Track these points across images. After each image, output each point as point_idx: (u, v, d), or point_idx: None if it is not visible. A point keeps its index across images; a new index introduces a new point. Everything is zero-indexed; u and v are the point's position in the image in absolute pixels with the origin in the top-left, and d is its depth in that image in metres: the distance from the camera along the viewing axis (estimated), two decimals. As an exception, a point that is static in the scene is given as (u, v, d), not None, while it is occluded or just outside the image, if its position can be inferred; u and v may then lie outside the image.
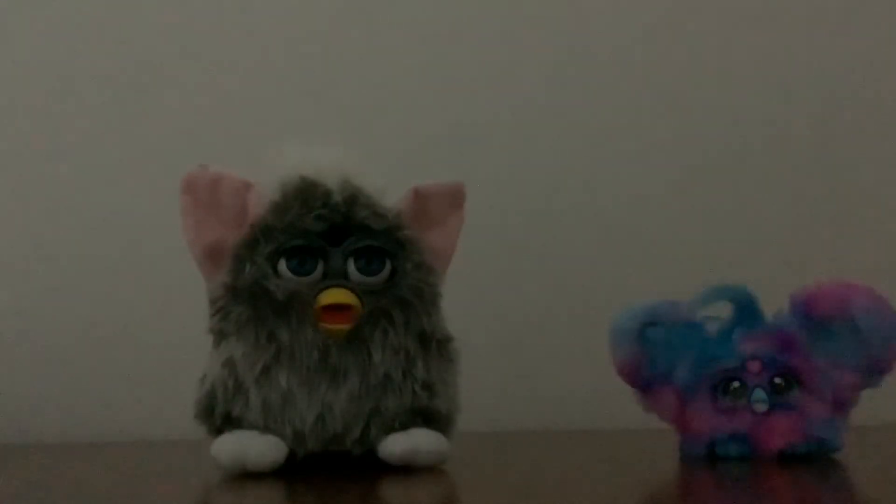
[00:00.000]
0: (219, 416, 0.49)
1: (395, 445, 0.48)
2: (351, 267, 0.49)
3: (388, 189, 0.52)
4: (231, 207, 0.51)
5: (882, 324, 0.51)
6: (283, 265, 0.49)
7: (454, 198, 0.55)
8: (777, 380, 0.52)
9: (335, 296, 0.48)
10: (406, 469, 0.48)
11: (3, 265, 0.72)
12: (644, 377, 0.53)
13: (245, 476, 0.47)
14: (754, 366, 0.52)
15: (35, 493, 0.48)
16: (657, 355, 0.53)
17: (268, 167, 0.51)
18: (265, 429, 0.48)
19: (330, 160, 0.51)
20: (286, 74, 0.74)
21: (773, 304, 0.53)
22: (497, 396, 0.70)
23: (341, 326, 0.48)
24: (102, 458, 0.61)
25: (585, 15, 0.76)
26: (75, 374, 0.71)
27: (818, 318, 0.52)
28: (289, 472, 0.48)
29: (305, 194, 0.50)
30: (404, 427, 0.49)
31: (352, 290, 0.48)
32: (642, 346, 0.53)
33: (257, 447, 0.47)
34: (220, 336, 0.50)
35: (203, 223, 0.51)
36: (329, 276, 0.49)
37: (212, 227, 0.51)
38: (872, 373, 0.52)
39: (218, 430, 0.50)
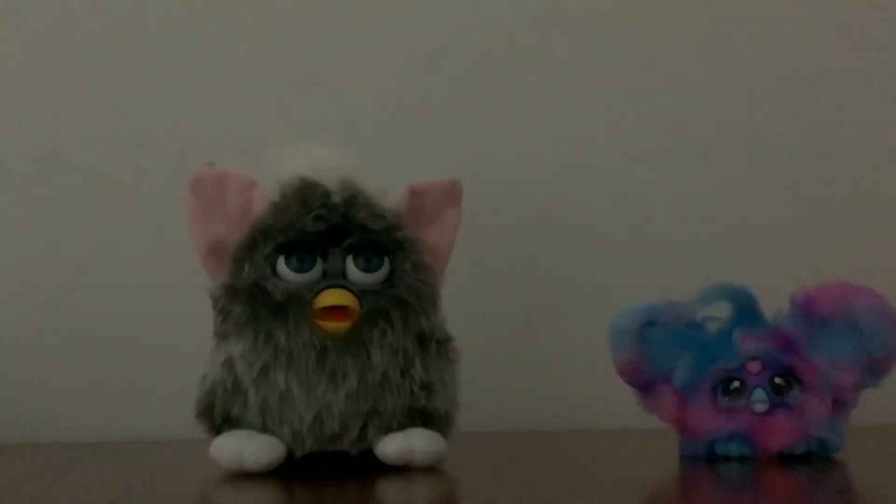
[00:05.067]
0: (218, 415, 0.50)
1: (392, 446, 0.48)
2: (350, 266, 0.49)
3: (389, 190, 0.52)
4: (236, 205, 0.51)
5: (882, 324, 0.51)
6: (281, 265, 0.49)
7: (451, 195, 0.55)
8: (777, 380, 0.52)
9: (333, 298, 0.48)
10: (404, 469, 0.48)
11: (3, 265, 0.72)
12: (644, 377, 0.53)
13: (243, 476, 0.48)
14: (754, 366, 0.52)
15: (35, 493, 0.48)
16: (657, 355, 0.53)
17: (267, 167, 0.51)
18: (263, 429, 0.49)
19: (329, 160, 0.51)
20: (286, 74, 0.74)
21: (773, 304, 0.53)
22: (497, 396, 0.70)
23: (340, 324, 0.48)
24: (103, 458, 0.61)
25: (585, 14, 0.76)
26: (75, 374, 0.71)
27: (818, 318, 0.52)
28: (287, 471, 0.48)
29: (304, 195, 0.50)
30: (402, 427, 0.49)
31: (350, 291, 0.48)
32: (642, 346, 0.53)
33: (255, 447, 0.48)
34: (220, 336, 0.50)
35: (208, 221, 0.51)
36: (328, 276, 0.49)
37: (217, 225, 0.51)
38: (872, 373, 0.52)
39: (217, 430, 0.50)
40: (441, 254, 0.54)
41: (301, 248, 0.49)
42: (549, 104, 0.75)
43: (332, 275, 0.49)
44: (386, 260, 0.50)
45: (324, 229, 0.49)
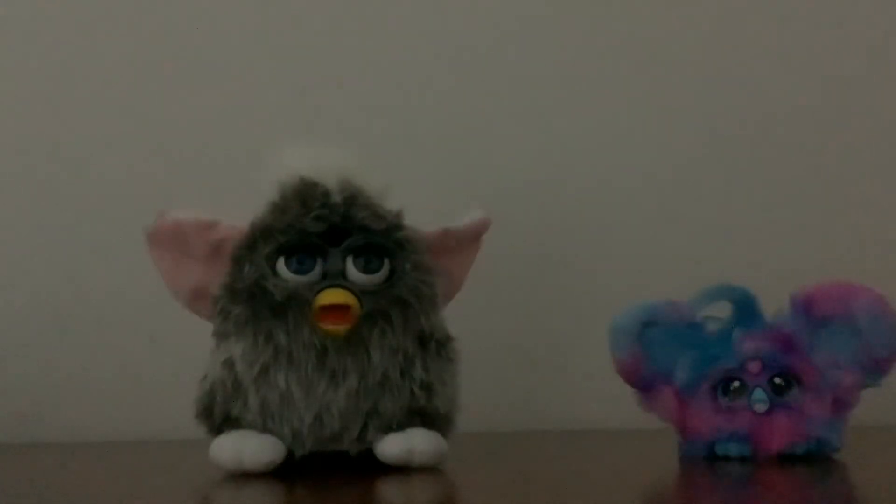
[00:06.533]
0: (218, 415, 0.50)
1: (392, 446, 0.48)
2: (350, 267, 0.49)
3: (389, 190, 0.52)
4: (201, 248, 0.51)
5: (882, 324, 0.51)
6: (281, 265, 0.49)
7: (478, 232, 0.56)
8: (777, 380, 0.52)
9: (333, 296, 0.48)
10: (404, 469, 0.48)
11: (3, 265, 0.72)
12: (644, 377, 0.53)
13: (243, 476, 0.48)
14: (754, 366, 0.52)
15: (35, 493, 0.48)
16: (657, 355, 0.53)
17: (267, 167, 0.51)
18: (263, 429, 0.49)
19: (329, 160, 0.51)
20: (286, 75, 0.74)
21: (773, 304, 0.53)
22: (497, 396, 0.70)
23: (340, 326, 0.48)
24: (102, 458, 0.61)
25: (586, 14, 0.76)
26: (75, 374, 0.71)
27: (818, 318, 0.52)
28: (287, 471, 0.48)
29: (304, 194, 0.49)
30: (402, 427, 0.49)
31: (350, 291, 0.48)
32: (642, 346, 0.53)
33: (255, 447, 0.48)
34: (220, 336, 0.50)
35: (179, 270, 0.52)
36: (328, 277, 0.49)
37: (189, 272, 0.51)
38: (872, 373, 0.52)
39: (217, 430, 0.50)
40: (456, 280, 0.55)
41: (301, 248, 0.49)
42: (550, 105, 0.75)
43: (331, 275, 0.49)
44: (386, 261, 0.50)
45: (324, 229, 0.49)
